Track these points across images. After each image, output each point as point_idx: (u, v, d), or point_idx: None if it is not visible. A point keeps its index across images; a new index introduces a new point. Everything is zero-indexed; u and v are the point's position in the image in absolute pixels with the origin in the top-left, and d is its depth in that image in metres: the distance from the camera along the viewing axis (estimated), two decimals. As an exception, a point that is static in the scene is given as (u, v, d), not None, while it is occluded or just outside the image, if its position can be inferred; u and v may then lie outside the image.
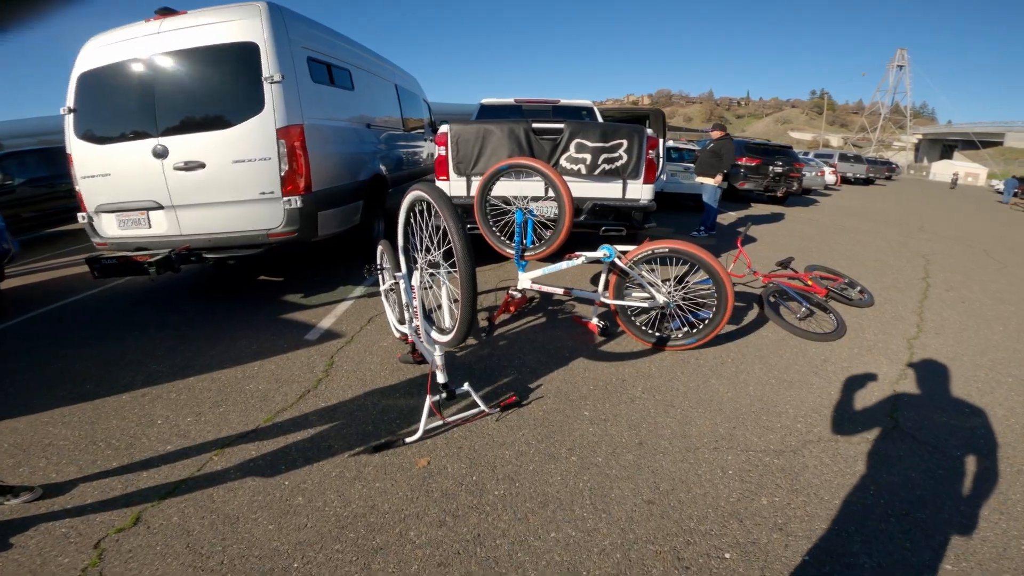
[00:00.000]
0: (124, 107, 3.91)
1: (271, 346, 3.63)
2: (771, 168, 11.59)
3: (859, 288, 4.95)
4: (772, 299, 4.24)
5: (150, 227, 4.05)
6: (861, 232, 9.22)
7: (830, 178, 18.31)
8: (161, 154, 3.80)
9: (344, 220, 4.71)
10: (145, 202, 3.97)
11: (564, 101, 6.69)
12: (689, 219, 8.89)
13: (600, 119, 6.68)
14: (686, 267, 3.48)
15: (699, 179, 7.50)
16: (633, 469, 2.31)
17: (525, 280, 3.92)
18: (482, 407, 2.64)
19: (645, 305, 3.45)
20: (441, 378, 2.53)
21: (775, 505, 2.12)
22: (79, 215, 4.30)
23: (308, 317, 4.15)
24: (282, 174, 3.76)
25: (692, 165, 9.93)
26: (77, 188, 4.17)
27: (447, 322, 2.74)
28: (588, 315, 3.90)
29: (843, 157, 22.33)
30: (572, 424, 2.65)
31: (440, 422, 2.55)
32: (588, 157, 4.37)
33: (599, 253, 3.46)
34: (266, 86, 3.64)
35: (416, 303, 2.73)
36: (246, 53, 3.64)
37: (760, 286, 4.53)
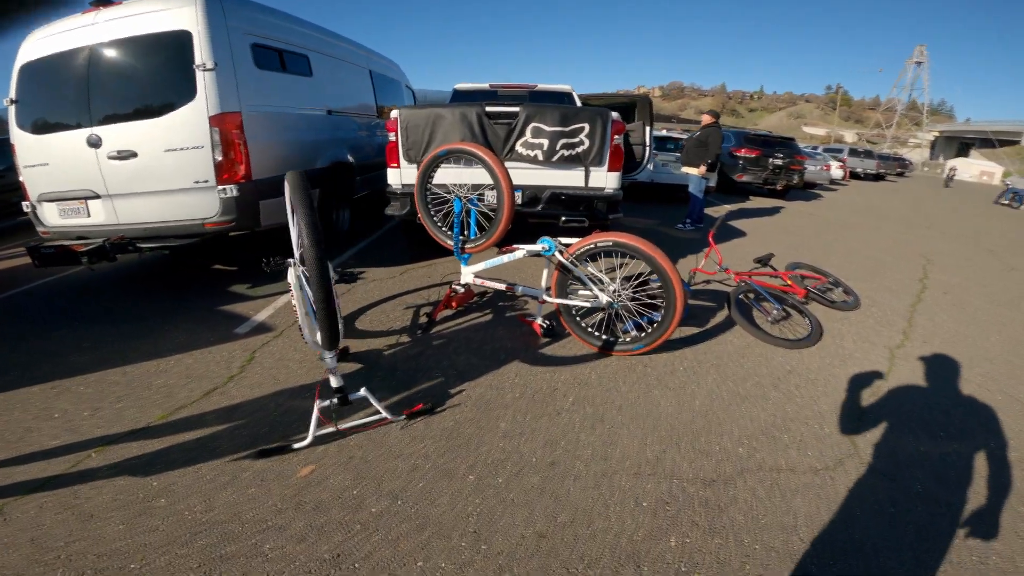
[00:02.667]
0: (60, 97, 3.79)
1: (198, 339, 3.32)
2: (771, 160, 10.89)
3: (844, 289, 4.43)
4: (742, 299, 3.76)
5: (89, 216, 3.89)
6: (862, 228, 8.57)
7: (837, 173, 17.41)
8: (95, 143, 3.65)
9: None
10: (82, 191, 3.82)
11: (542, 86, 6.20)
12: (679, 211, 8.32)
13: (578, 103, 6.17)
14: (636, 264, 3.02)
15: (685, 169, 6.96)
16: (535, 494, 1.95)
17: (468, 274, 3.50)
18: (384, 414, 2.31)
19: (587, 305, 3.02)
20: (334, 382, 2.23)
21: (684, 548, 1.72)
22: (23, 204, 4.17)
23: (246, 309, 3.81)
24: (216, 162, 3.55)
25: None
26: (20, 178, 4.10)
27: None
28: (537, 313, 3.48)
29: (853, 152, 21.20)
30: (482, 437, 2.30)
31: (332, 429, 2.23)
32: (545, 142, 3.91)
33: (538, 246, 3.03)
34: (198, 74, 3.44)
35: (295, 302, 2.33)
36: (179, 41, 3.45)
37: (731, 285, 4.04)
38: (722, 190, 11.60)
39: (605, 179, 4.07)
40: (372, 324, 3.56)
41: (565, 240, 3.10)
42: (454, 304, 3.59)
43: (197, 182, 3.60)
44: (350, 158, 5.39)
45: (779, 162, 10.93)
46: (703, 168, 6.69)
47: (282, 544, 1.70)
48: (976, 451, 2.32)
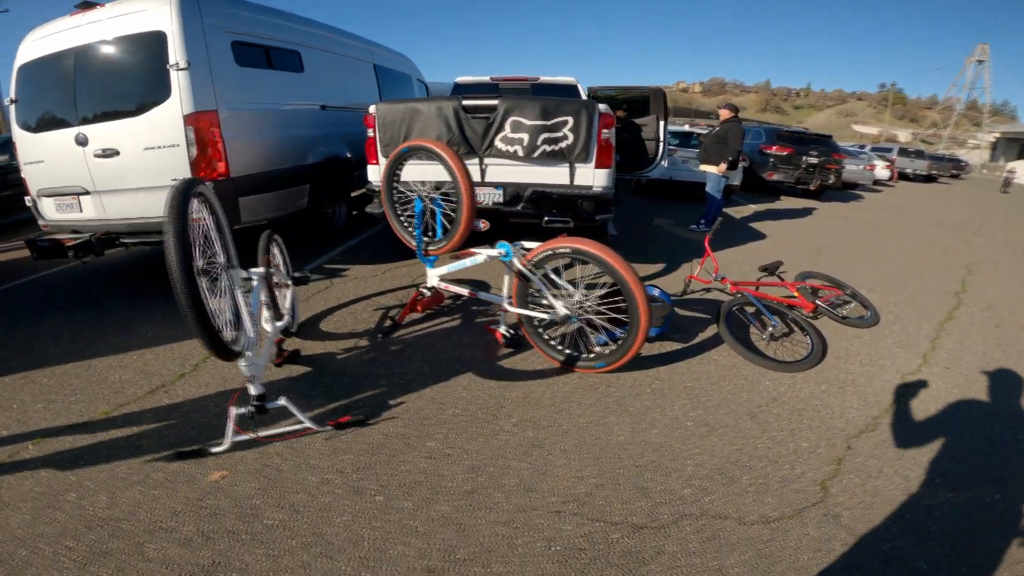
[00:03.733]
0: (52, 97, 3.90)
1: (164, 335, 3.25)
2: (804, 159, 10.04)
3: (862, 303, 3.88)
4: (736, 313, 3.33)
5: (81, 211, 3.98)
6: (902, 233, 7.73)
7: (883, 173, 16.01)
8: (82, 142, 3.72)
9: (282, 205, 4.37)
10: (74, 187, 3.91)
11: (544, 78, 5.83)
12: (699, 210, 7.77)
13: (583, 97, 5.77)
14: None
15: (703, 167, 6.43)
16: (440, 524, 1.73)
17: (433, 277, 3.26)
18: (307, 424, 2.16)
19: (546, 317, 2.70)
20: (252, 390, 2.08)
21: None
22: (26, 199, 4.32)
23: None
24: (192, 160, 3.54)
25: None
26: (22, 174, 4.23)
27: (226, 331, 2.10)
28: (501, 321, 3.18)
29: (903, 152, 19.42)
30: (406, 455, 2.08)
31: (251, 436, 2.09)
32: (525, 137, 3.58)
33: (496, 251, 2.73)
34: (172, 73, 3.43)
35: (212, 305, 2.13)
36: (155, 41, 3.46)
37: (728, 295, 3.59)
38: (750, 189, 10.83)
39: (592, 177, 3.71)
40: (337, 325, 3.37)
41: (528, 244, 2.79)
42: (419, 308, 3.35)
43: (174, 179, 3.53)
44: (347, 153, 5.25)
45: (814, 160, 10.06)
46: (723, 166, 6.15)
47: (166, 547, 1.63)
48: (982, 514, 1.86)
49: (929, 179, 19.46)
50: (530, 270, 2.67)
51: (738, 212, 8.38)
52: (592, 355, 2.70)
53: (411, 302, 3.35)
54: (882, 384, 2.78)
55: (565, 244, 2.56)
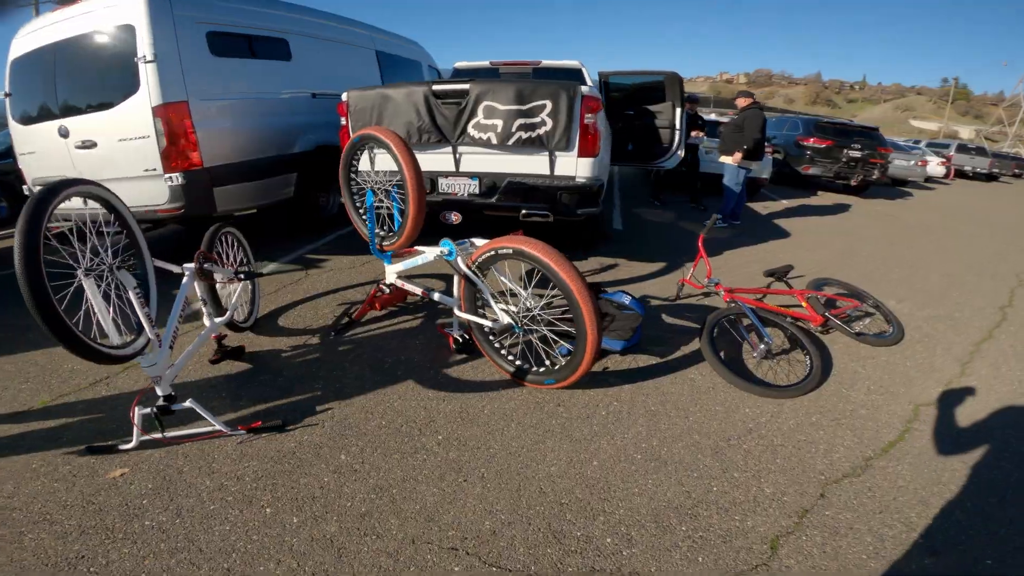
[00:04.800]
0: (38, 91, 3.98)
1: (129, 324, 3.13)
2: (846, 151, 9.07)
3: (885, 316, 3.31)
4: (725, 326, 2.87)
5: (69, 200, 4.08)
6: (950, 236, 6.81)
7: (937, 170, 14.44)
8: (64, 134, 3.78)
9: (265, 194, 4.27)
10: (60, 177, 4.00)
11: (546, 62, 5.39)
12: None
13: (589, 82, 5.28)
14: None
15: (722, 158, 5.82)
16: (320, 545, 1.55)
17: (391, 274, 2.98)
18: (217, 427, 2.00)
19: (490, 324, 2.37)
20: (158, 390, 1.97)
21: None
22: (24, 187, 4.42)
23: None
24: (162, 151, 3.51)
25: None
26: (19, 164, 4.35)
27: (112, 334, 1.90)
28: (454, 325, 2.87)
29: (962, 148, 17.41)
30: (313, 467, 1.88)
31: (156, 436, 1.98)
32: (499, 123, 3.22)
33: (438, 249, 2.42)
34: (140, 66, 3.40)
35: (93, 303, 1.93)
36: (125, 35, 3.45)
37: (727, 303, 3.11)
38: (786, 182, 9.95)
39: (575, 166, 3.30)
40: (295, 320, 3.17)
41: (479, 242, 2.46)
42: (378, 306, 3.08)
43: (147, 170, 3.58)
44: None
45: (856, 154, 9.08)
46: (738, 155, 5.55)
47: (43, 538, 1.59)
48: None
49: (991, 178, 17.38)
50: (474, 271, 2.34)
51: (765, 208, 7.64)
52: (543, 369, 2.34)
53: (369, 299, 3.09)
54: (887, 417, 2.28)
55: (509, 244, 2.21)
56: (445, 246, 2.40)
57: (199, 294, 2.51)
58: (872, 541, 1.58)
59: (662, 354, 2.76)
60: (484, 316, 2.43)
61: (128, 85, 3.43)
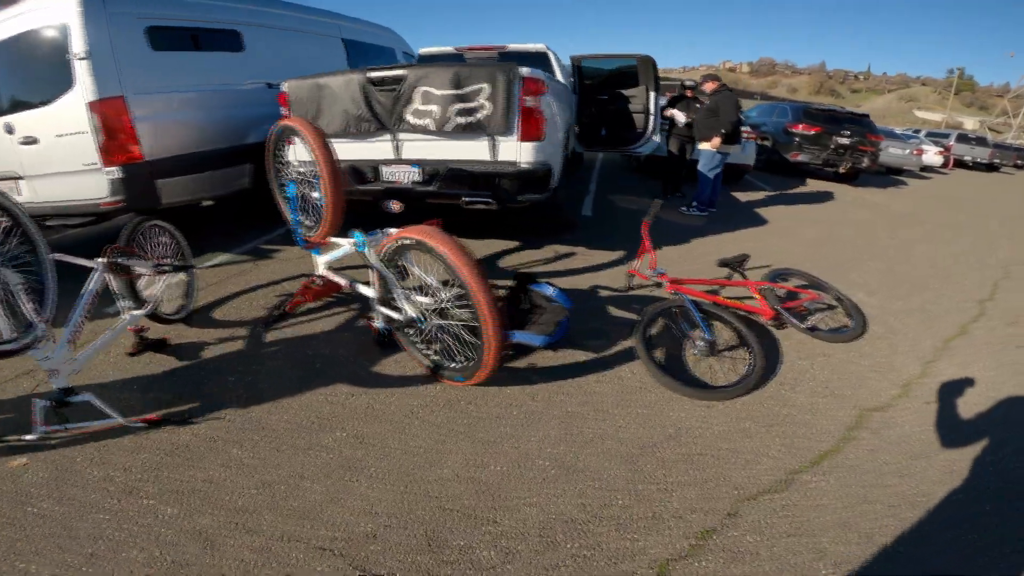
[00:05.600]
0: None
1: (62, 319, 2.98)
2: (835, 138, 8.62)
3: (846, 310, 3.03)
4: (666, 319, 2.61)
5: (21, 194, 3.96)
6: (938, 225, 6.41)
7: (934, 159, 13.79)
8: (10, 130, 3.69)
9: (217, 185, 4.11)
10: (10, 173, 3.88)
11: (512, 47, 5.06)
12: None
13: (557, 68, 4.96)
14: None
15: (701, 145, 5.47)
16: (191, 536, 1.48)
17: (320, 265, 2.76)
18: (116, 420, 1.90)
19: (397, 316, 2.15)
20: (55, 383, 1.87)
21: None
22: None
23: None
24: (99, 146, 3.40)
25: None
26: None
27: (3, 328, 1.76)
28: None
29: (962, 138, 16.59)
30: (205, 460, 1.78)
31: (56, 428, 1.88)
32: (436, 109, 2.96)
33: (347, 240, 2.20)
34: (74, 63, 3.29)
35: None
36: (60, 34, 3.34)
37: (670, 295, 2.84)
38: (774, 170, 9.52)
39: (517, 151, 3.03)
40: (230, 312, 2.97)
41: (393, 232, 2.22)
42: (310, 297, 2.86)
43: (86, 164, 3.48)
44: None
45: (844, 141, 8.61)
46: (717, 140, 5.23)
47: None
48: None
49: (991, 168, 16.58)
50: (383, 262, 2.11)
51: (747, 195, 7.25)
52: (456, 366, 2.12)
53: (301, 291, 2.87)
54: (826, 424, 2.03)
55: (411, 234, 1.98)
56: (355, 237, 2.19)
57: (113, 288, 2.36)
58: (772, 569, 1.35)
59: (596, 349, 2.52)
60: (396, 309, 2.21)
61: (64, 82, 3.35)
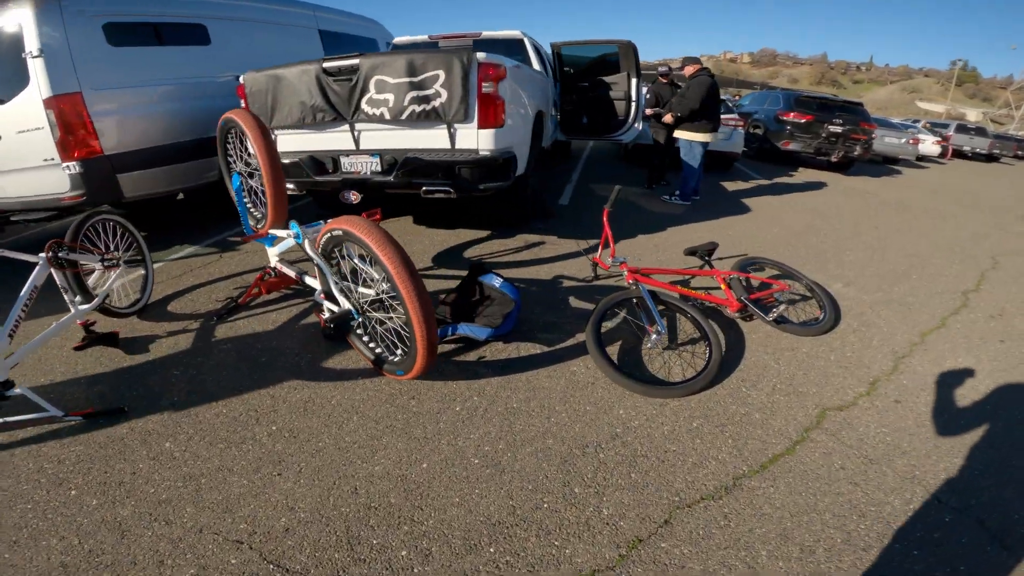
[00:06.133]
0: None
1: (40, 308, 2.89)
2: (827, 127, 8.34)
3: (819, 302, 2.87)
4: (624, 311, 2.45)
5: None
6: (928, 215, 6.18)
7: (932, 148, 13.42)
8: None
9: (182, 177, 4.02)
10: None
11: (487, 34, 4.84)
12: (711, 179, 6.65)
13: (533, 54, 4.74)
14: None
15: (677, 133, 5.25)
16: (108, 527, 1.46)
17: (272, 257, 2.63)
18: (51, 412, 1.85)
19: (336, 309, 2.01)
20: None
21: None
22: None
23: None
24: (57, 141, 3.36)
25: (727, 117, 7.38)
26: None
27: None
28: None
29: (961, 128, 16.13)
30: (135, 453, 1.72)
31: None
32: (391, 98, 2.81)
33: (285, 232, 2.07)
34: (28, 61, 3.26)
35: None
36: (15, 33, 3.30)
37: (630, 285, 2.67)
38: (766, 159, 9.27)
39: (476, 139, 2.87)
40: (185, 305, 2.85)
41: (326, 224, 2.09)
42: (264, 290, 2.74)
43: (46, 160, 3.45)
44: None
45: (836, 129, 8.33)
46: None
47: None
48: None
49: (990, 158, 16.13)
50: (322, 254, 1.97)
51: (735, 184, 7.02)
52: (396, 359, 1.99)
53: (255, 283, 2.75)
54: (782, 424, 1.88)
55: (340, 225, 1.83)
56: (293, 228, 2.06)
57: (59, 282, 2.29)
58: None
59: (550, 342, 2.37)
60: (336, 302, 2.07)
61: (21, 80, 3.30)
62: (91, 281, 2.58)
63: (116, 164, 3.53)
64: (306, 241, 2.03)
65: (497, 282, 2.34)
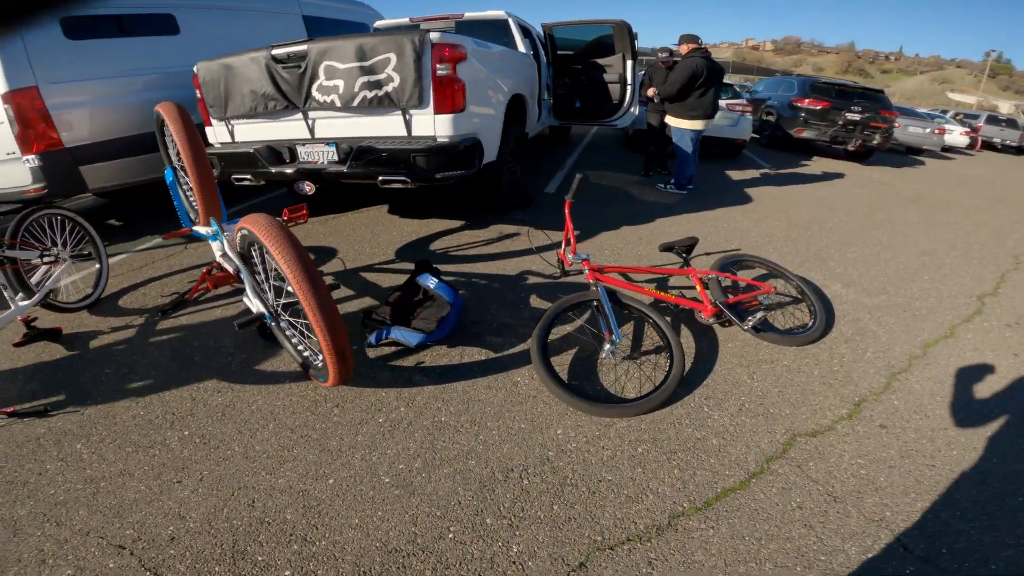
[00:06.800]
0: None
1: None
2: (844, 114, 7.75)
3: (809, 307, 2.55)
4: (574, 317, 2.19)
5: None
6: (947, 209, 5.66)
7: (960, 140, 12.51)
8: None
9: (149, 169, 3.92)
10: None
11: (469, 15, 4.52)
12: (715, 167, 6.30)
13: (518, 35, 4.40)
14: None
15: (667, 119, 4.88)
16: None
17: (216, 251, 2.46)
18: None
19: (254, 311, 1.82)
20: None
21: None
22: None
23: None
24: (16, 135, 3.30)
25: (733, 102, 6.95)
26: None
27: None
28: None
29: (991, 119, 15.02)
30: (45, 453, 1.63)
31: None
32: (340, 84, 2.59)
33: (204, 230, 1.89)
34: None
35: None
36: None
37: (591, 285, 2.39)
38: (779, 147, 8.73)
39: (432, 125, 2.62)
40: (136, 300, 2.71)
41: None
42: (210, 285, 2.56)
43: (8, 154, 3.41)
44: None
45: (855, 117, 7.74)
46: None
47: None
48: None
49: (1021, 151, 15.01)
50: (237, 255, 1.78)
51: (741, 173, 6.57)
52: (320, 364, 1.80)
53: (201, 278, 2.58)
54: (741, 453, 1.61)
55: (245, 223, 1.63)
56: (212, 227, 1.87)
57: None
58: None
59: (499, 348, 2.13)
60: (253, 303, 1.88)
61: None
62: (37, 277, 2.49)
63: (77, 156, 3.47)
64: (224, 240, 1.84)
65: (432, 283, 2.11)
